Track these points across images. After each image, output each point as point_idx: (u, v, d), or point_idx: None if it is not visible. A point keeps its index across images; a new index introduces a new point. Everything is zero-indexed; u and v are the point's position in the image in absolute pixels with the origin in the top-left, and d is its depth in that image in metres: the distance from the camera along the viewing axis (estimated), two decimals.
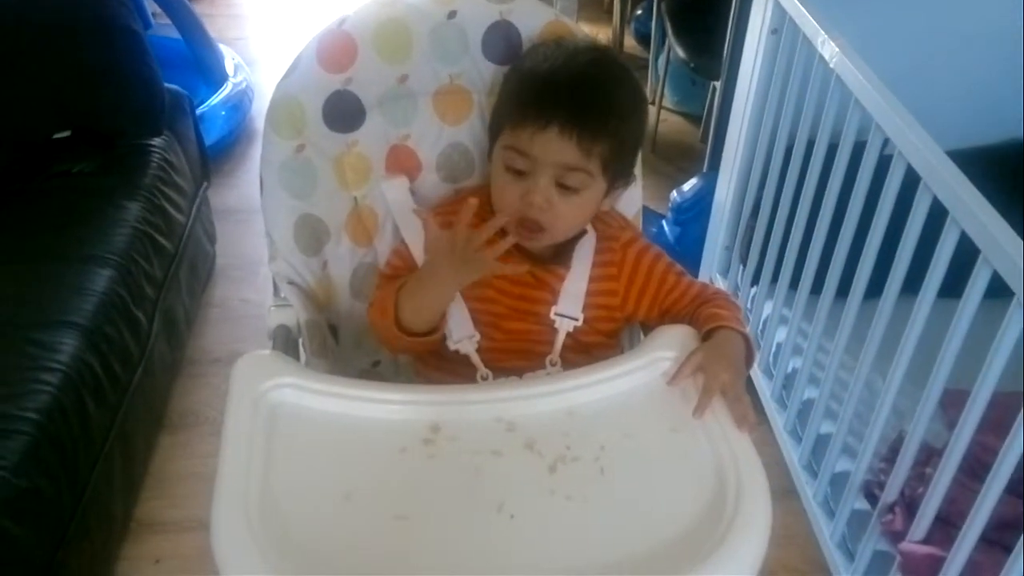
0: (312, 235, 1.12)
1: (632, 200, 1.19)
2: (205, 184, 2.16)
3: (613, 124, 1.00)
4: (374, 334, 1.10)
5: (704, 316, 1.04)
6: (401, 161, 1.16)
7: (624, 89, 1.04)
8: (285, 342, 1.08)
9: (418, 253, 1.10)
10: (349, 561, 0.79)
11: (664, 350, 0.98)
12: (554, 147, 0.97)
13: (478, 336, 1.06)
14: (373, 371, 1.20)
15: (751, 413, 0.93)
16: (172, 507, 1.65)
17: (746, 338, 1.02)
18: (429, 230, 1.04)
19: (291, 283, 1.11)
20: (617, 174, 1.05)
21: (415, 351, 1.09)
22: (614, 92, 1.02)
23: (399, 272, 1.10)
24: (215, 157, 2.37)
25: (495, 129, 1.07)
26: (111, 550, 1.53)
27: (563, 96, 0.98)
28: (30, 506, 1.25)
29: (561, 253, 1.08)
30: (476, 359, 1.05)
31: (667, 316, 1.09)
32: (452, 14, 1.10)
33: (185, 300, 1.94)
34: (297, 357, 1.09)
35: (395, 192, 1.14)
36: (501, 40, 1.11)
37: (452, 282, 1.00)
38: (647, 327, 1.10)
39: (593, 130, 0.98)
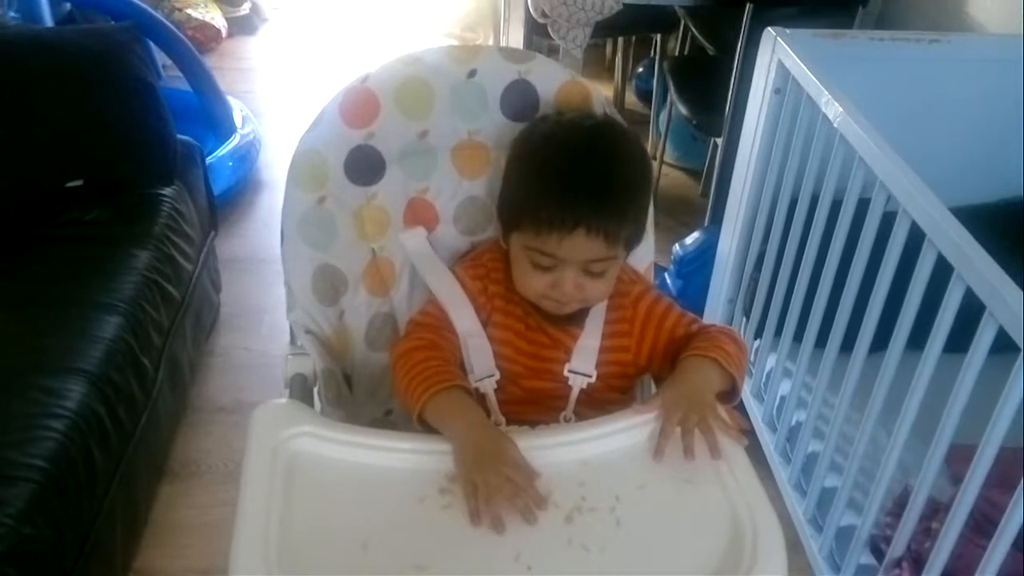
0: (330, 285, 1.14)
1: (643, 254, 1.21)
2: (213, 233, 2.18)
3: (633, 208, 1.02)
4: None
5: (687, 348, 1.05)
6: (419, 214, 1.18)
7: (636, 162, 1.05)
8: (301, 390, 1.09)
9: (445, 300, 1.10)
10: None
11: None
12: (581, 248, 0.99)
13: (497, 375, 1.07)
14: (386, 420, 1.21)
15: (721, 441, 0.94)
16: (172, 557, 1.64)
17: (719, 363, 1.01)
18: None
19: (308, 332, 1.12)
20: (635, 243, 1.08)
21: None
22: (628, 173, 1.03)
23: (429, 321, 1.10)
24: (221, 207, 2.39)
25: (510, 219, 1.05)
26: None
27: (583, 196, 0.98)
28: (34, 554, 1.24)
29: (576, 313, 1.09)
30: (493, 400, 1.06)
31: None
32: (472, 73, 1.13)
33: (189, 348, 1.94)
34: (312, 405, 1.10)
35: (414, 243, 1.17)
36: (519, 98, 1.14)
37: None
38: (660, 378, 1.11)
39: (617, 222, 1.00)
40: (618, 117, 1.16)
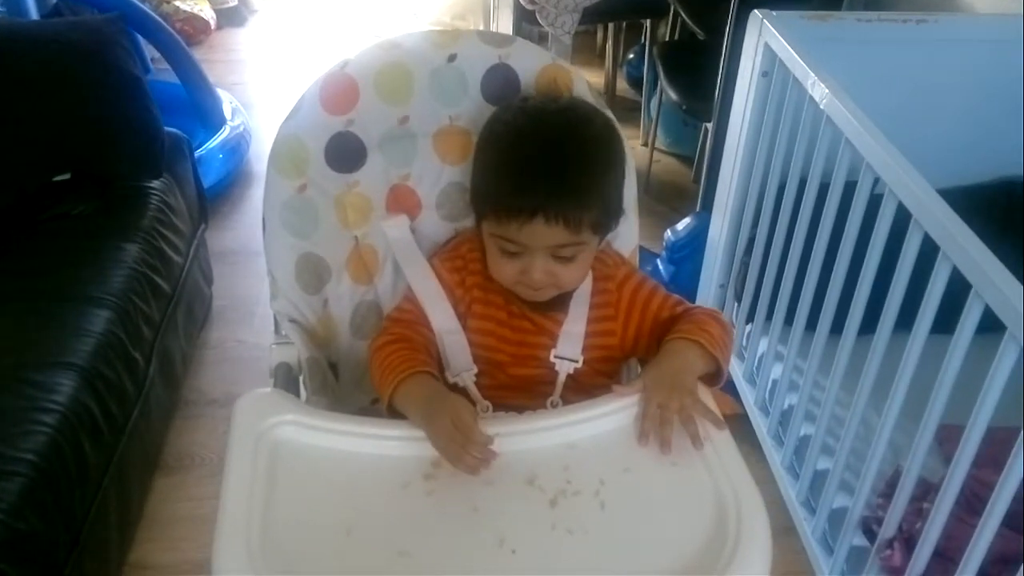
0: (313, 273, 1.13)
1: (628, 239, 1.20)
2: (203, 226, 2.18)
3: (595, 190, 0.99)
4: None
5: (671, 332, 1.04)
6: (401, 200, 1.18)
7: (599, 144, 1.02)
8: (286, 380, 1.09)
9: (422, 295, 1.10)
10: None
11: None
12: (542, 235, 0.98)
13: (475, 369, 1.07)
14: (372, 408, 1.20)
15: (700, 430, 0.93)
16: (167, 550, 1.64)
17: (702, 346, 1.00)
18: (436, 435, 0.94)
19: (292, 321, 1.12)
20: (608, 227, 1.05)
21: None
22: (590, 156, 1.00)
23: (404, 317, 1.10)
24: (212, 200, 2.39)
25: (478, 207, 1.06)
26: None
27: (541, 184, 0.96)
28: (26, 549, 1.24)
29: (559, 299, 1.08)
30: (475, 392, 1.06)
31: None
32: (452, 57, 1.12)
33: (182, 341, 1.94)
34: (297, 395, 1.10)
35: (396, 231, 1.16)
36: (500, 82, 1.13)
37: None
38: (646, 361, 1.11)
39: (578, 207, 0.97)
40: (590, 98, 1.13)
